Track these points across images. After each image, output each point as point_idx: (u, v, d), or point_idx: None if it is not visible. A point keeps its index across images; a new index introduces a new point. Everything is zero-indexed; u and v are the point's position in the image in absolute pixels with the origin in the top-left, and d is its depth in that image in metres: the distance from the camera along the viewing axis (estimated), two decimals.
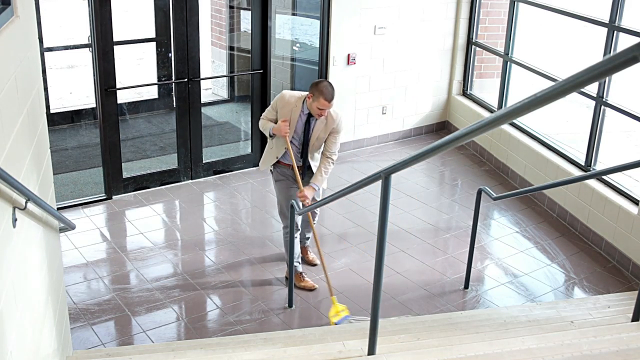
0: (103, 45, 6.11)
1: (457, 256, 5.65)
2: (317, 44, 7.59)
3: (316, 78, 7.60)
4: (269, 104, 7.23)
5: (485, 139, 7.71)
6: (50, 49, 8.15)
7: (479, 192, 5.03)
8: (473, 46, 8.21)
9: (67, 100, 9.31)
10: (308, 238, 5.46)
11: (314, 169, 4.93)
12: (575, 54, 11.51)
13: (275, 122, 4.79)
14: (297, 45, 8.53)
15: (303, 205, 4.75)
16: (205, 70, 8.28)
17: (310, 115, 4.75)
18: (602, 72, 1.67)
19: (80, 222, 5.85)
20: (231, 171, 7.24)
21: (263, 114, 4.96)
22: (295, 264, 4.96)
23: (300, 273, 5.13)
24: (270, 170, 5.07)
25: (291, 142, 4.80)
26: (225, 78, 9.54)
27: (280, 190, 5.01)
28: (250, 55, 7.21)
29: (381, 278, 3.06)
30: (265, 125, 4.86)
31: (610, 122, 6.24)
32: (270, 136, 4.85)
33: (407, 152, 7.57)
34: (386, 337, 3.48)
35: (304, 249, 5.46)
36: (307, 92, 4.70)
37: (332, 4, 7.21)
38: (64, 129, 8.23)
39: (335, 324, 4.56)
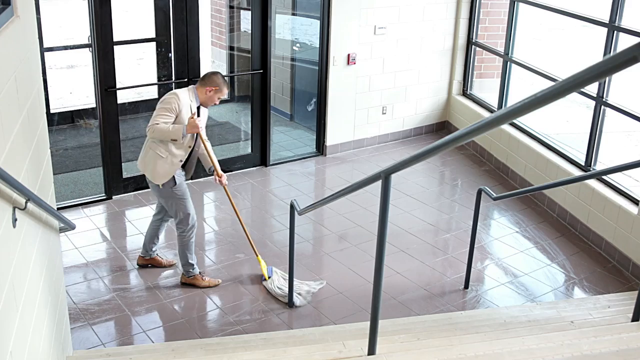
0: (103, 45, 6.11)
1: (457, 256, 5.65)
2: (317, 44, 7.59)
3: (316, 78, 7.60)
4: (269, 103, 7.29)
5: (485, 139, 7.71)
6: (50, 49, 8.15)
7: (479, 192, 5.03)
8: (473, 46, 8.21)
9: (67, 100, 9.31)
10: (155, 250, 5.36)
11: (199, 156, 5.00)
12: (575, 54, 11.51)
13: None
14: (297, 45, 8.53)
15: (223, 186, 5.02)
16: (205, 70, 8.27)
17: (198, 107, 4.77)
18: (602, 72, 1.67)
19: (80, 222, 5.85)
20: (231, 171, 7.24)
21: (157, 120, 4.56)
22: (194, 264, 5.05)
23: (200, 273, 5.10)
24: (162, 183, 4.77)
25: (189, 135, 4.73)
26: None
27: (185, 194, 4.87)
28: (250, 55, 7.21)
29: (381, 278, 3.06)
30: (168, 130, 4.55)
31: (610, 122, 6.24)
32: (173, 140, 4.62)
33: (407, 152, 7.58)
34: (386, 337, 3.48)
35: (155, 258, 5.33)
36: (196, 85, 4.73)
37: (332, 4, 7.21)
38: (63, 129, 8.23)
39: (269, 277, 5.13)
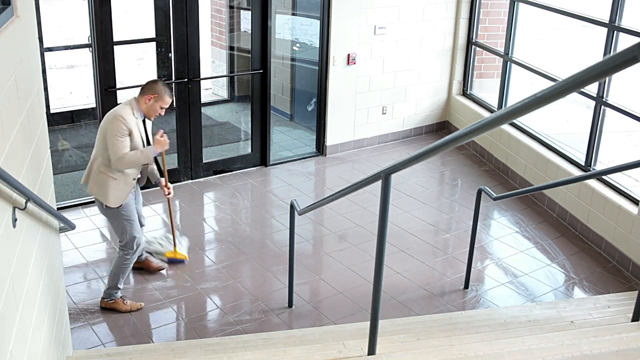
0: (103, 45, 6.11)
1: (457, 256, 5.65)
2: (317, 44, 7.59)
3: (316, 78, 7.60)
4: (269, 103, 7.29)
5: (485, 139, 7.71)
6: (50, 49, 8.15)
7: (479, 192, 5.03)
8: (473, 46, 8.21)
9: (67, 100, 9.31)
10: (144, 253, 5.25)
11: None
12: (575, 54, 11.52)
13: (130, 148, 4.39)
14: (297, 45, 8.53)
15: (167, 198, 4.99)
16: (205, 70, 8.28)
17: (144, 120, 4.53)
18: (602, 72, 1.67)
19: (80, 222, 5.85)
20: (231, 171, 7.24)
21: (120, 149, 4.30)
22: (121, 288, 4.76)
23: (121, 297, 4.76)
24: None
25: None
26: (225, 78, 9.54)
27: (131, 215, 4.61)
28: (250, 55, 7.21)
29: (381, 278, 3.06)
30: (139, 157, 4.39)
31: (610, 122, 6.24)
32: (145, 165, 4.52)
33: (407, 152, 7.57)
34: (386, 337, 3.48)
35: (145, 261, 5.22)
36: (136, 97, 4.47)
37: (332, 4, 7.21)
38: (64, 129, 8.23)
39: (168, 260, 5.34)
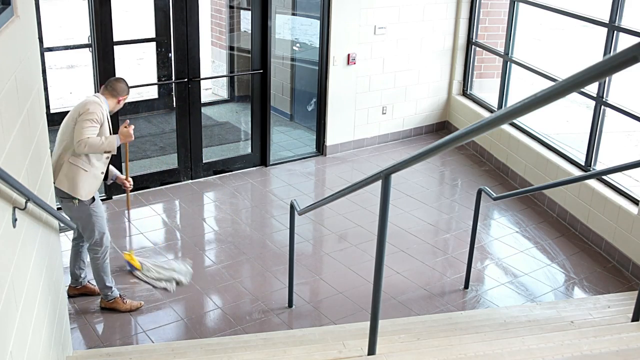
0: (103, 45, 6.11)
1: (457, 256, 5.65)
2: (317, 44, 7.59)
3: (316, 78, 7.60)
4: (269, 103, 7.29)
5: (485, 139, 7.71)
6: (50, 49, 8.15)
7: (479, 192, 5.03)
8: (473, 46, 8.21)
9: (67, 100, 9.31)
10: (85, 277, 4.94)
11: None
12: (575, 54, 11.52)
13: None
14: (297, 45, 8.53)
15: (126, 190, 5.03)
16: (205, 70, 8.29)
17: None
18: (602, 72, 1.67)
19: None
20: (231, 171, 7.24)
21: (86, 132, 4.21)
22: (112, 286, 4.70)
23: (121, 295, 4.74)
24: (77, 200, 4.37)
25: None
26: (225, 78, 9.54)
27: (102, 212, 4.55)
28: (250, 55, 7.21)
29: (381, 278, 3.06)
30: (101, 143, 4.28)
31: (610, 122, 6.24)
32: (107, 152, 4.40)
33: (407, 152, 7.57)
34: (386, 337, 3.48)
35: (86, 286, 4.91)
36: (102, 93, 4.47)
37: (332, 4, 7.21)
38: None
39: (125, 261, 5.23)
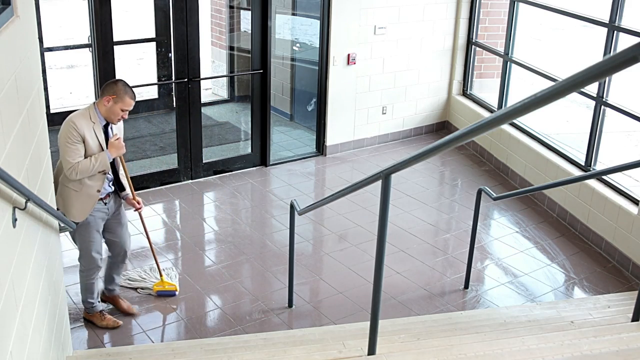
0: (103, 45, 6.11)
1: (457, 256, 5.65)
2: (317, 44, 7.59)
3: (316, 78, 7.60)
4: (269, 103, 7.29)
5: (485, 139, 7.71)
6: (50, 49, 8.15)
7: (479, 192, 5.03)
8: (473, 46, 8.21)
9: (67, 100, 9.31)
10: (118, 284, 4.79)
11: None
12: (575, 54, 11.52)
13: (86, 156, 4.04)
14: (297, 45, 8.53)
15: (139, 212, 4.57)
16: (205, 70, 8.29)
17: (106, 125, 4.16)
18: (602, 72, 1.67)
19: None
20: (231, 171, 7.24)
21: (71, 157, 3.96)
22: (94, 302, 4.54)
23: (101, 311, 4.57)
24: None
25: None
26: (225, 78, 9.54)
27: (90, 236, 4.29)
28: (250, 55, 7.21)
29: (381, 278, 3.06)
30: (93, 165, 4.02)
31: (610, 122, 6.24)
32: (101, 172, 4.12)
33: (407, 152, 7.57)
34: (386, 337, 3.48)
35: (115, 298, 4.74)
36: (95, 100, 4.16)
37: (332, 4, 7.21)
38: None
39: (158, 293, 4.94)
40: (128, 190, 4.48)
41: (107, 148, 4.12)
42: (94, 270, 4.42)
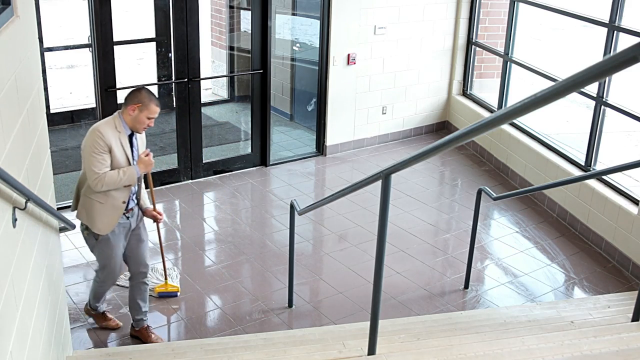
0: (103, 45, 6.11)
1: (457, 256, 5.65)
2: (317, 44, 7.59)
3: (316, 78, 7.60)
4: (269, 103, 7.29)
5: (485, 139, 7.71)
6: (50, 49, 8.15)
7: (479, 192, 5.03)
8: (473, 46, 8.21)
9: (67, 100, 9.31)
10: (146, 312, 4.44)
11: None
12: (575, 54, 11.51)
13: (112, 166, 3.89)
14: (297, 45, 8.53)
15: (157, 224, 4.47)
16: (205, 70, 8.29)
17: (131, 135, 4.01)
18: (602, 72, 1.67)
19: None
20: (231, 171, 7.24)
21: (98, 168, 3.81)
22: (99, 306, 4.51)
23: (103, 312, 4.55)
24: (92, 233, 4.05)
25: None
26: (225, 78, 9.54)
27: (114, 257, 4.14)
28: (250, 55, 7.21)
29: (381, 278, 3.06)
30: (120, 178, 3.87)
31: (610, 122, 6.24)
32: (127, 186, 3.99)
33: (407, 152, 7.57)
34: (386, 337, 3.48)
35: (143, 331, 4.43)
36: (120, 110, 3.98)
37: (332, 4, 7.21)
38: (64, 129, 8.23)
39: (159, 294, 4.92)
40: (149, 202, 4.36)
41: (133, 159, 3.99)
42: (109, 284, 4.37)
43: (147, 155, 4.02)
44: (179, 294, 4.97)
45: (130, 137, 4.00)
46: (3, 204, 2.36)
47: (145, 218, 4.33)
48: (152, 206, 4.37)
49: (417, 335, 3.71)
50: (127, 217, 4.12)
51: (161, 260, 4.91)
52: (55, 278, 3.45)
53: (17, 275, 2.49)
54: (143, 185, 4.27)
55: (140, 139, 4.13)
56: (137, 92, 3.94)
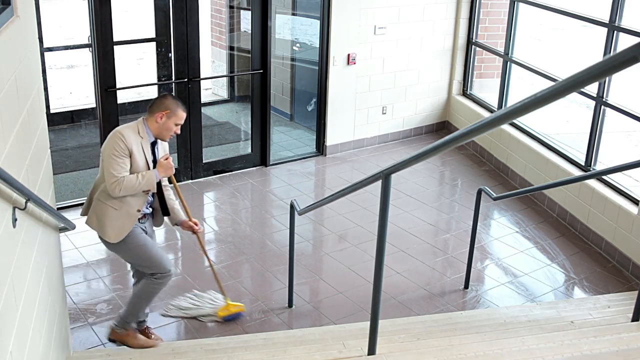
0: (103, 45, 6.11)
1: (457, 256, 5.65)
2: (317, 44, 7.59)
3: (316, 78, 7.60)
4: (269, 103, 7.29)
5: (485, 139, 7.71)
6: (50, 49, 8.15)
7: (479, 192, 5.03)
8: (473, 46, 8.21)
9: (67, 100, 9.31)
10: (147, 313, 4.35)
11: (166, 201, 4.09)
12: (575, 54, 11.51)
13: (130, 171, 3.74)
14: (297, 45, 8.53)
15: (197, 234, 4.26)
16: (205, 70, 8.29)
17: (153, 143, 3.89)
18: (602, 72, 1.67)
19: (80, 222, 5.84)
20: (231, 171, 7.24)
21: (117, 171, 3.66)
22: (134, 321, 4.16)
23: (136, 329, 4.20)
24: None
25: None
26: (225, 78, 9.54)
27: (143, 240, 3.92)
28: (250, 55, 7.21)
29: (381, 278, 3.06)
30: (139, 182, 3.71)
31: (610, 122, 6.24)
32: (146, 191, 3.84)
33: (407, 152, 7.57)
34: (386, 337, 3.48)
35: (144, 332, 4.31)
36: (145, 117, 3.85)
37: (332, 4, 7.21)
38: (64, 129, 8.23)
39: (224, 319, 4.58)
40: (182, 214, 4.17)
41: (154, 167, 3.86)
42: (167, 278, 3.97)
43: (166, 159, 3.88)
44: (244, 313, 4.67)
45: (153, 145, 3.87)
46: (3, 204, 2.36)
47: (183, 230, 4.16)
48: (186, 217, 4.17)
49: (417, 335, 3.71)
50: (142, 222, 3.97)
51: (214, 277, 4.57)
52: (55, 278, 3.45)
53: (17, 275, 2.49)
54: (172, 196, 4.12)
55: (162, 148, 3.97)
56: (163, 99, 3.83)
